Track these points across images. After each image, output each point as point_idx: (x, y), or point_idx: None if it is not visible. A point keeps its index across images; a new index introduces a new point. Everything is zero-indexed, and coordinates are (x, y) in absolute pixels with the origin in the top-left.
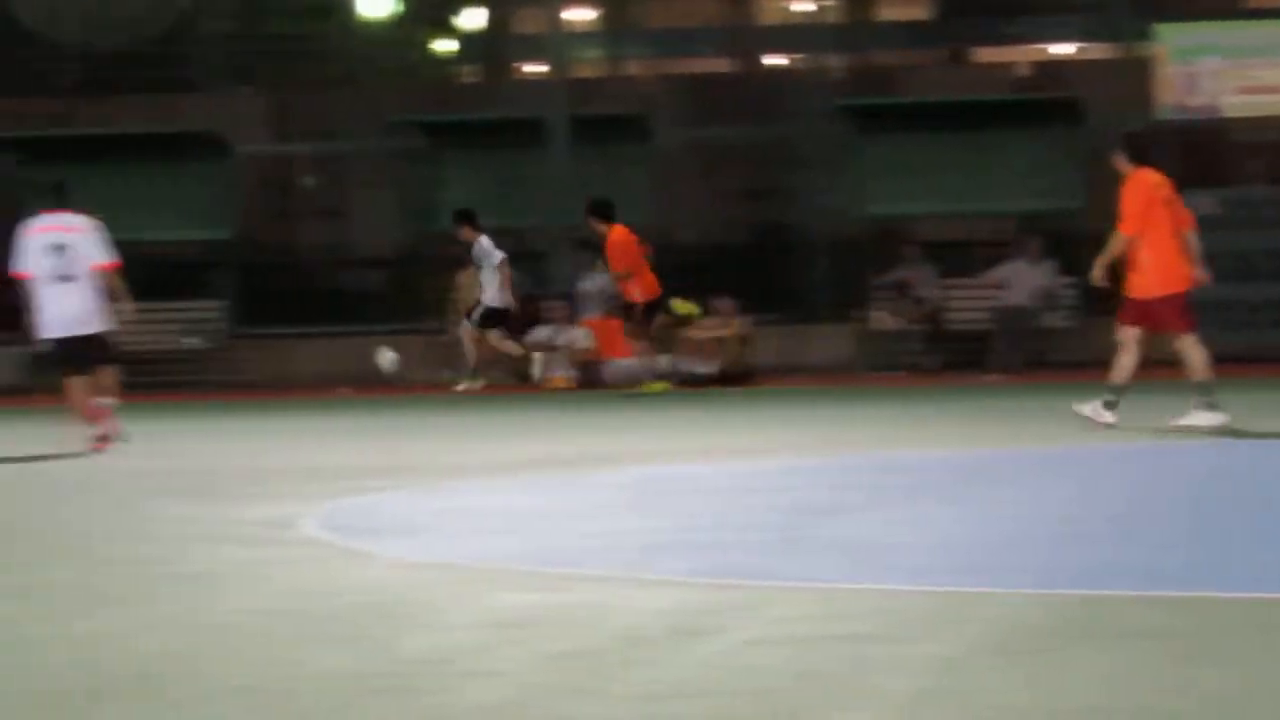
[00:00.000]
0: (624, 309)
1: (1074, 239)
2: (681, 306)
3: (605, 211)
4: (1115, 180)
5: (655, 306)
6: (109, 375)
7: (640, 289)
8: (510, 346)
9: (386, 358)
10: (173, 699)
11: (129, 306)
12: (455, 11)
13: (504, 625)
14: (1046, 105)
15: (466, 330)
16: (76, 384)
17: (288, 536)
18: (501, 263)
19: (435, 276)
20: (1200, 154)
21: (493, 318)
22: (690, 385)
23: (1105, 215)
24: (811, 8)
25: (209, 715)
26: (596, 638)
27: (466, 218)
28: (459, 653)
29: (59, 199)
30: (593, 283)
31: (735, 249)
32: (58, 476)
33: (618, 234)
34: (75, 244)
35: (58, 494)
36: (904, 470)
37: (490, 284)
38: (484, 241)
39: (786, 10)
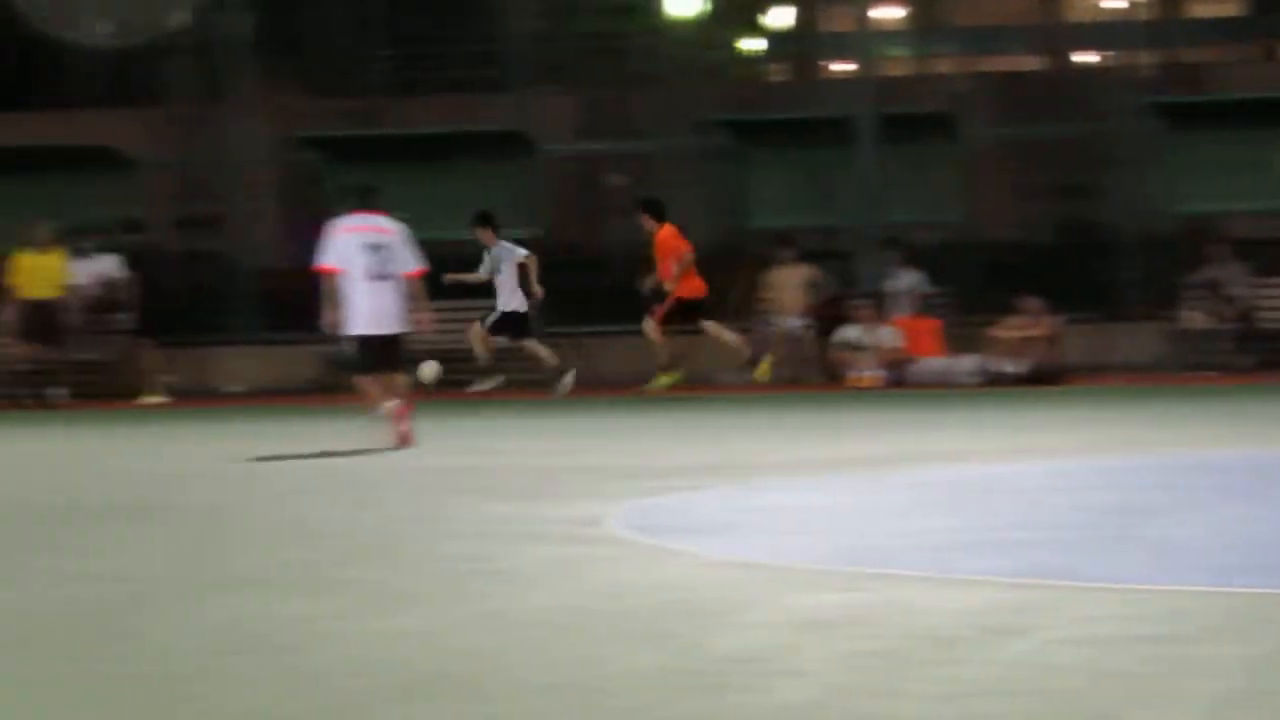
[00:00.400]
0: (668, 305)
1: None
2: (765, 371)
3: (656, 210)
4: None
5: (695, 307)
6: (400, 377)
7: (683, 288)
8: (543, 352)
9: (428, 371)
10: (481, 696)
11: (427, 314)
12: (763, 10)
13: (809, 625)
14: None
15: (476, 331)
16: (377, 382)
17: (593, 534)
18: (526, 260)
19: (743, 275)
20: None
21: (510, 323)
22: (1000, 384)
23: None
24: (1122, 4)
25: (518, 712)
26: (900, 637)
27: (485, 220)
28: (765, 652)
29: (367, 201)
30: (901, 281)
31: (1043, 247)
32: (361, 475)
33: (665, 233)
34: (389, 245)
35: (361, 493)
36: (1212, 471)
37: (505, 288)
38: (504, 245)
39: (1097, 7)
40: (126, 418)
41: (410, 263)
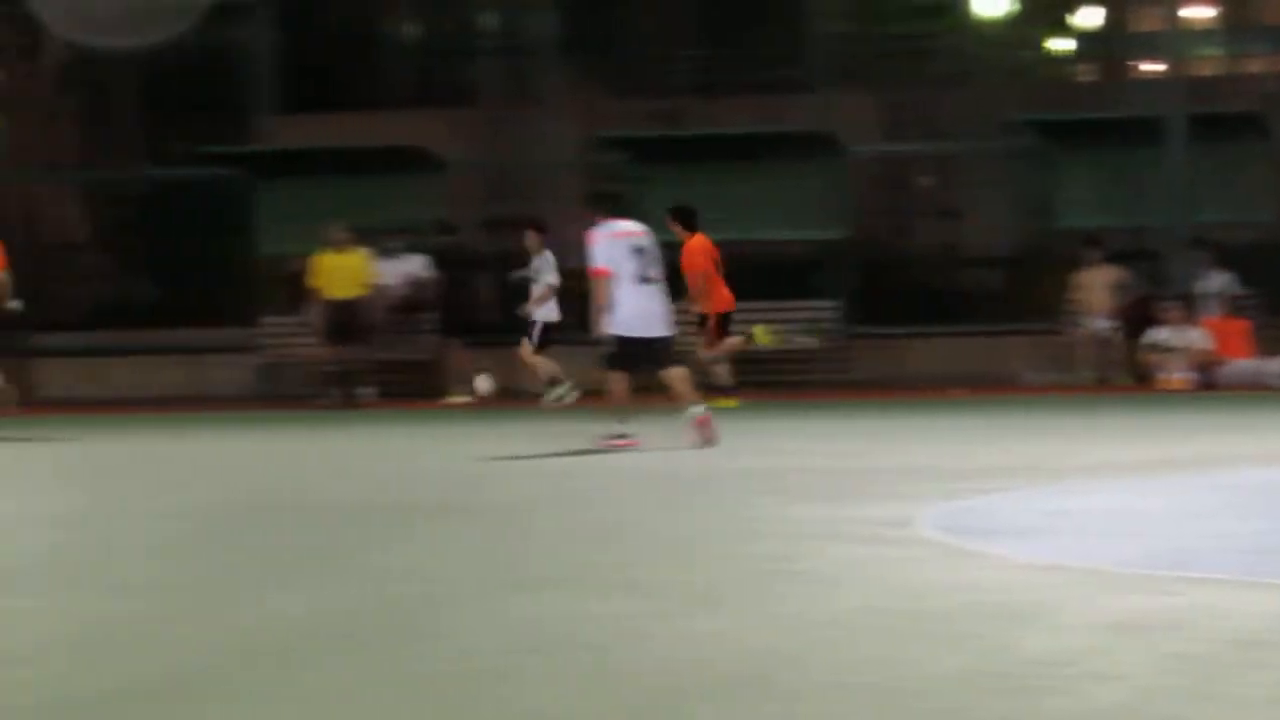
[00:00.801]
0: (699, 322)
1: None
2: (762, 335)
3: (687, 218)
4: None
5: (727, 319)
6: (681, 378)
7: (713, 301)
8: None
9: (483, 384)
10: (785, 696)
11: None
12: (1071, 10)
13: (1119, 628)
14: None
15: (526, 350)
16: (627, 383)
17: (901, 536)
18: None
19: (1053, 276)
20: None
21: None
22: None
23: None
24: None
25: (824, 713)
26: (1213, 641)
27: (537, 225)
28: (1076, 655)
29: (618, 207)
30: (1211, 283)
31: None
32: (664, 475)
33: (695, 242)
34: (650, 249)
35: (664, 493)
36: None
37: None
38: (548, 254)
39: None
40: (432, 417)
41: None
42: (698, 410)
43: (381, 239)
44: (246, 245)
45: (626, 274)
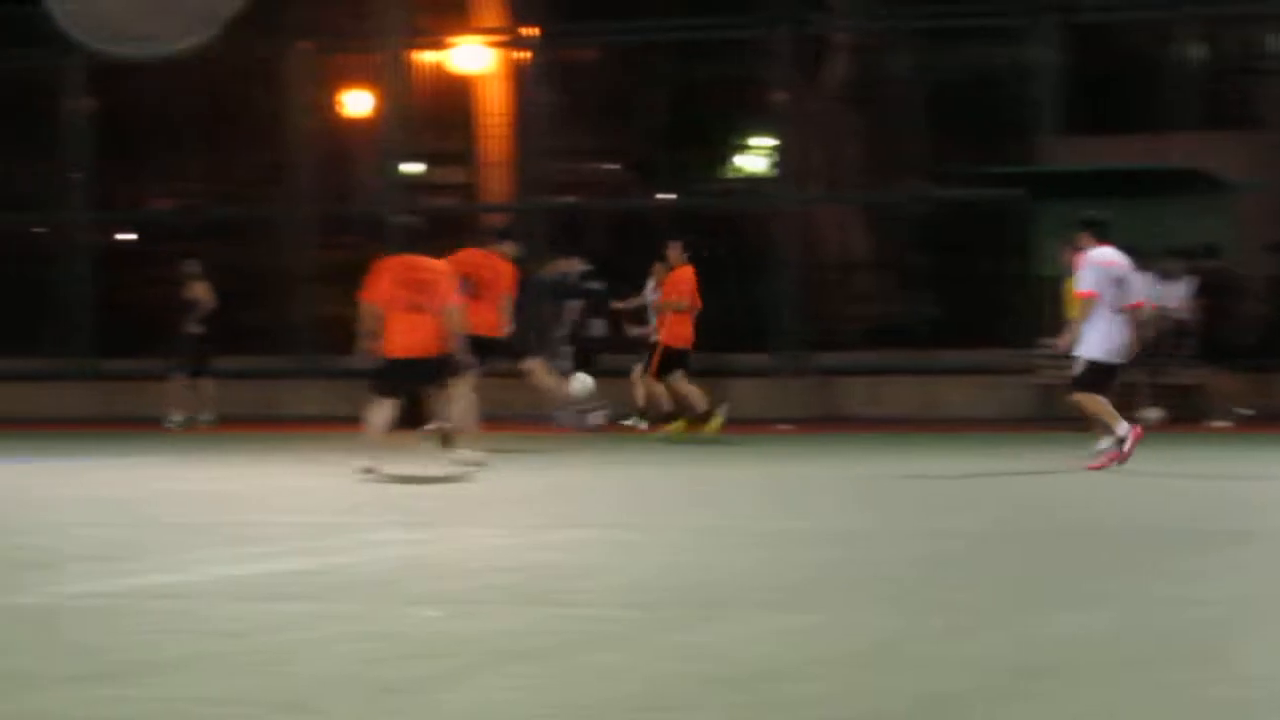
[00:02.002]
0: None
1: None
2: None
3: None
4: None
5: (676, 357)
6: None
7: (673, 333)
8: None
9: (580, 389)
10: None
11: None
12: None
13: None
14: None
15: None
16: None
17: None
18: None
19: None
20: None
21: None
22: None
23: None
24: None
25: None
26: None
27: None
28: None
29: (1105, 233)
30: None
31: None
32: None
33: (684, 272)
34: (1130, 279)
35: None
36: None
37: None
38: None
39: None
40: (1195, 441)
41: (1140, 293)
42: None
43: (1160, 261)
44: (1025, 266)
45: (1106, 301)
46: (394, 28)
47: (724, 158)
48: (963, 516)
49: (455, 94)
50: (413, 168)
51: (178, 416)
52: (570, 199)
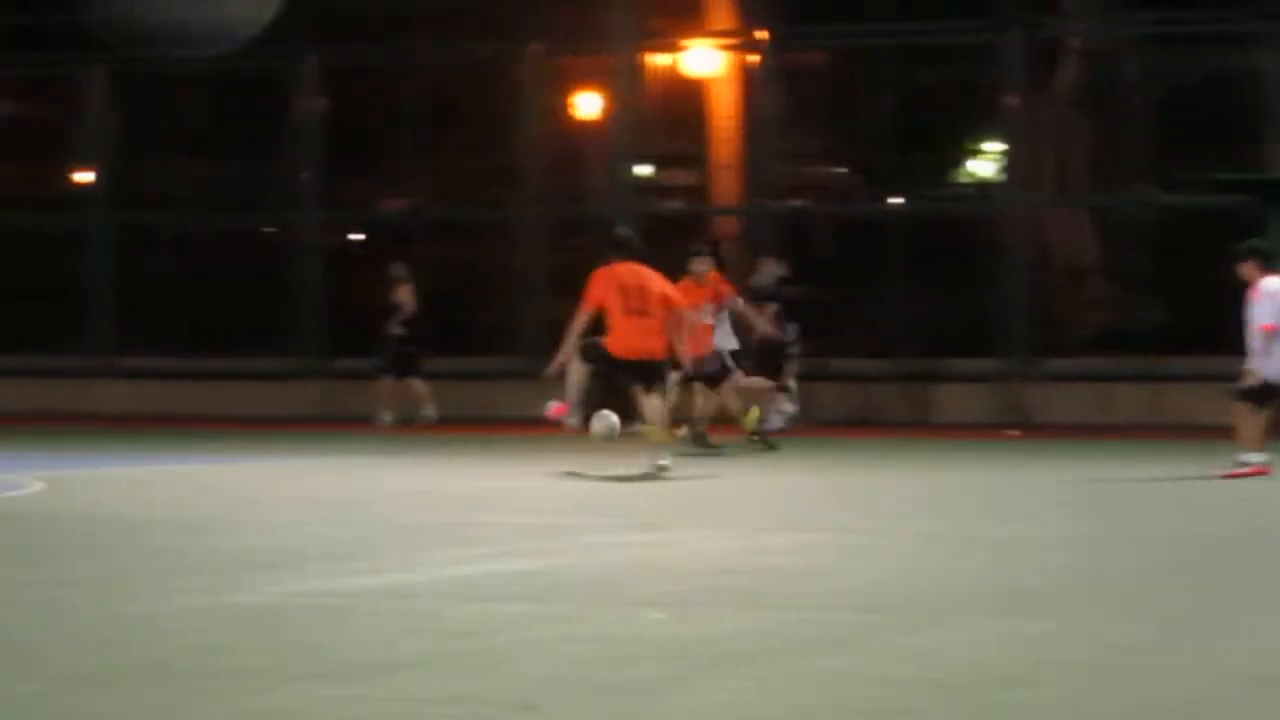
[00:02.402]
0: None
1: None
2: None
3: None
4: None
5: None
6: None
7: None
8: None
9: (603, 425)
10: None
11: None
12: None
13: None
14: None
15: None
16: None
17: None
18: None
19: None
20: None
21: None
22: None
23: None
24: None
25: None
26: None
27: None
28: None
29: (1269, 262)
30: None
31: None
32: None
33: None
34: None
35: None
36: None
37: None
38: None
39: None
40: None
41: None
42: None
43: None
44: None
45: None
46: (625, 30)
47: (952, 162)
48: (1192, 522)
49: (685, 96)
50: (642, 170)
51: (388, 416)
52: (798, 202)
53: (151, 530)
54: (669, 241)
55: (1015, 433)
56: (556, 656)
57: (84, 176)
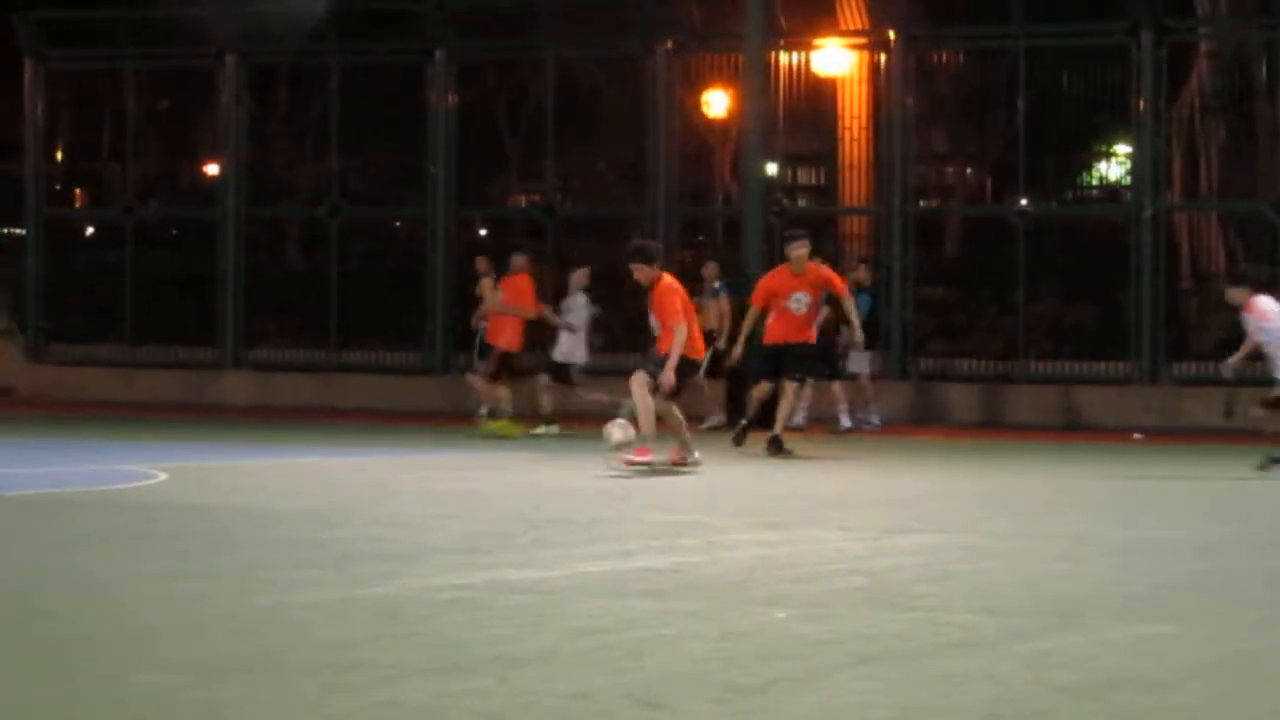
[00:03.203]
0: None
1: None
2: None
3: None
4: None
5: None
6: None
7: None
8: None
9: (616, 435)
10: None
11: None
12: None
13: None
14: None
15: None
16: None
17: None
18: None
19: None
20: None
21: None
22: None
23: None
24: None
25: None
26: None
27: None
28: None
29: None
30: None
31: None
32: None
33: (524, 280)
34: None
35: None
36: None
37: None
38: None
39: None
40: None
41: None
42: None
43: None
44: None
45: None
46: (757, 29)
47: (1083, 164)
48: None
49: (816, 96)
50: (772, 168)
51: (482, 410)
52: (928, 203)
53: (276, 522)
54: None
55: (1139, 436)
56: (681, 654)
57: (216, 169)
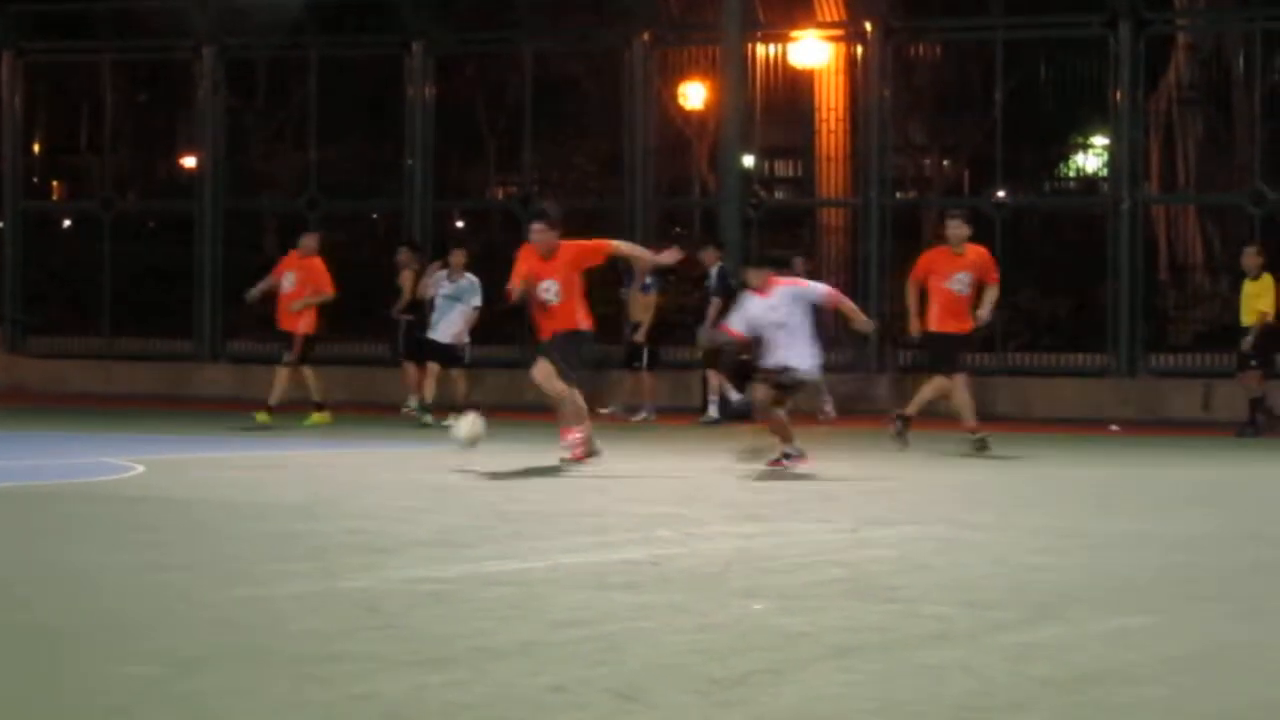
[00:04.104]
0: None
1: None
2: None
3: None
4: None
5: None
6: None
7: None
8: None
9: (463, 429)
10: None
11: None
12: None
13: None
14: None
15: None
16: None
17: None
18: None
19: None
20: None
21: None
22: None
23: None
24: None
25: None
26: None
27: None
28: None
29: None
30: None
31: None
32: None
33: (318, 263)
34: None
35: None
36: None
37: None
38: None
39: None
40: None
41: None
42: None
43: None
44: None
45: None
46: (735, 20)
47: (1061, 156)
48: None
49: (793, 87)
50: (750, 160)
51: (412, 401)
52: (906, 195)
53: (256, 514)
54: (775, 233)
55: (1116, 428)
56: (660, 646)
57: (194, 162)
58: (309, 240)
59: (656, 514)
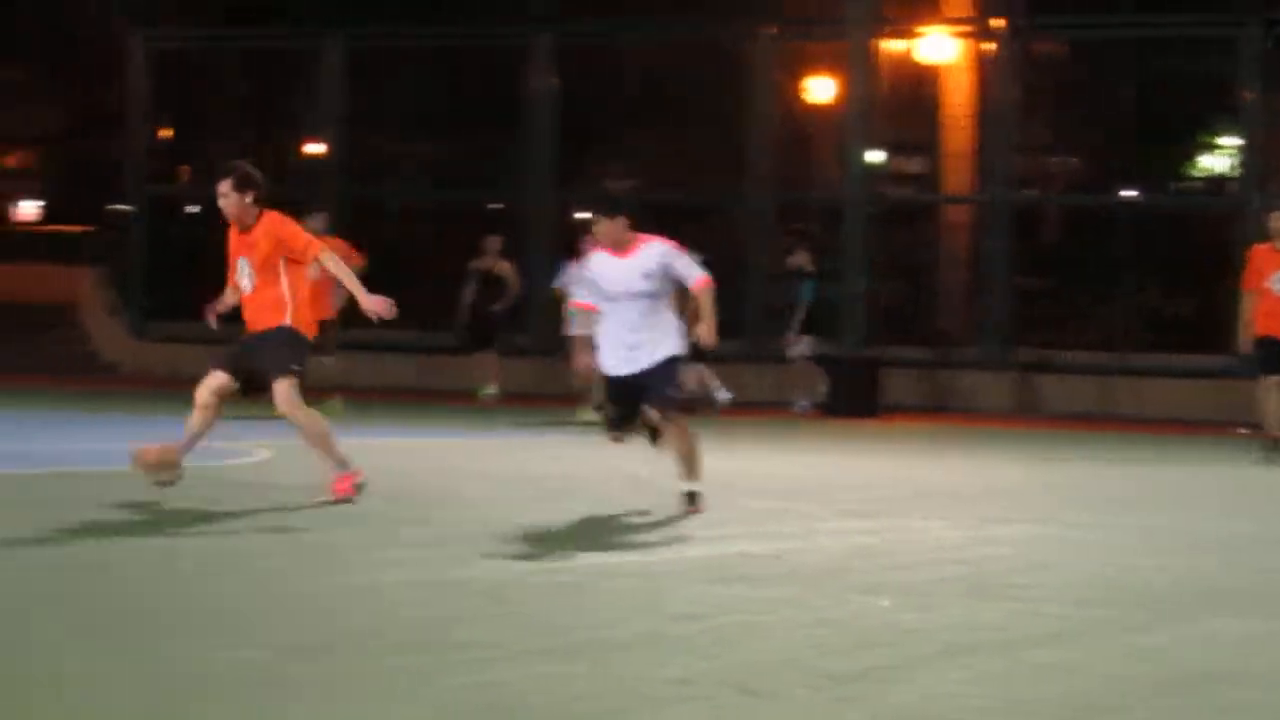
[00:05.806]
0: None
1: None
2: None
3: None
4: None
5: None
6: None
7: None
8: None
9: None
10: None
11: None
12: None
13: None
14: None
15: None
16: None
17: None
18: None
19: None
20: None
21: None
22: None
23: None
24: None
25: None
26: None
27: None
28: None
29: None
30: None
31: None
32: None
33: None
34: None
35: None
36: None
37: None
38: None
39: None
40: None
41: None
42: None
43: None
44: None
45: None
46: (860, 15)
47: (1187, 155)
48: None
49: (919, 84)
50: (874, 156)
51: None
52: (1031, 192)
53: (374, 502)
54: (897, 229)
55: (1244, 430)
56: (778, 641)
57: (316, 148)
58: (316, 221)
59: (777, 509)
